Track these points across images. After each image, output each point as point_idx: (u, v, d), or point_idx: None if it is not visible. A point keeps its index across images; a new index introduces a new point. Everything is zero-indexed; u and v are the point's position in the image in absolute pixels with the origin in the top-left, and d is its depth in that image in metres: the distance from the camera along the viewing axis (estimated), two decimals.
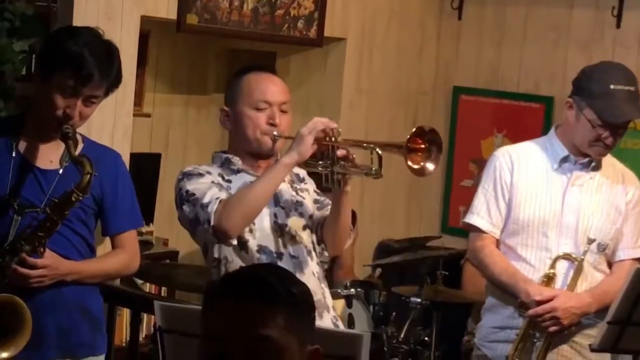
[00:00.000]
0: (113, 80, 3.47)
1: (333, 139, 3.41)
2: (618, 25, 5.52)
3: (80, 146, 3.45)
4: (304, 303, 2.14)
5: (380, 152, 3.39)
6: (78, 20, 4.14)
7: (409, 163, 3.32)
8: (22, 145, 3.48)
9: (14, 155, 3.46)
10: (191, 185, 3.49)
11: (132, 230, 3.71)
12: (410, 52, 6.00)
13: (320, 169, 3.49)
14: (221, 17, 4.94)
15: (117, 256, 3.66)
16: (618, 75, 3.76)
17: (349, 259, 5.12)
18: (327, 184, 3.51)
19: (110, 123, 4.36)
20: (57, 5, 4.25)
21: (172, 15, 4.78)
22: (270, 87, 3.56)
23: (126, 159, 4.19)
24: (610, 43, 5.46)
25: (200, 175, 3.53)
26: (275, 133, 3.51)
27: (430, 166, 3.35)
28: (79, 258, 3.52)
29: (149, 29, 4.98)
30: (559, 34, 5.73)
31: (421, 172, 3.38)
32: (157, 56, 5.45)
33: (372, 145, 3.44)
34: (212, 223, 3.39)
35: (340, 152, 3.41)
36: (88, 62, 3.35)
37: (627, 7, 5.50)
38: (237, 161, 3.59)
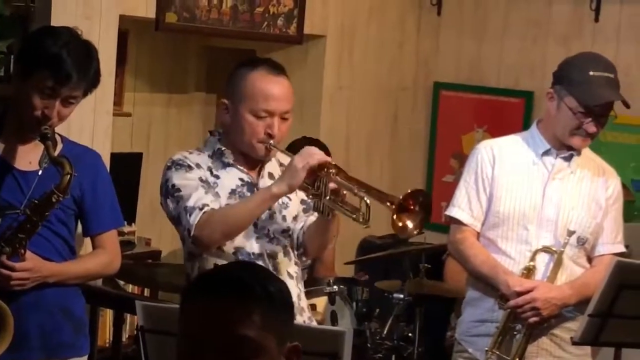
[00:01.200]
0: (92, 81, 3.46)
1: (327, 170, 3.38)
2: (596, 19, 5.54)
3: (59, 147, 3.45)
4: (281, 300, 2.12)
5: (368, 201, 3.35)
6: (56, 20, 4.14)
7: (395, 220, 3.29)
8: (0, 147, 3.47)
9: None
10: (178, 180, 3.48)
11: (113, 230, 3.70)
12: (390, 48, 6.01)
13: (310, 196, 3.49)
14: (200, 16, 4.94)
15: (98, 257, 3.65)
16: (597, 63, 3.79)
17: (330, 256, 5.11)
18: (315, 210, 3.50)
19: (90, 123, 4.35)
20: (35, 5, 4.24)
21: (151, 14, 4.77)
22: (274, 94, 3.50)
23: (107, 158, 4.20)
24: (589, 37, 5.49)
25: (190, 168, 3.51)
26: (271, 142, 3.49)
27: (411, 226, 3.34)
28: (60, 259, 3.52)
29: (128, 28, 4.99)
30: (539, 29, 5.76)
31: (403, 231, 3.37)
32: (136, 55, 5.45)
33: (362, 194, 3.37)
34: (192, 233, 3.40)
35: (332, 186, 3.38)
36: (66, 63, 3.34)
37: (605, 1, 5.53)
38: (228, 154, 3.57)
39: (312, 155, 3.38)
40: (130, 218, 5.09)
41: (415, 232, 3.39)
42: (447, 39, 6.08)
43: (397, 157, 6.08)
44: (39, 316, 3.47)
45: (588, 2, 5.56)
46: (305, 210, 3.65)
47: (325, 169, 3.38)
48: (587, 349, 3.80)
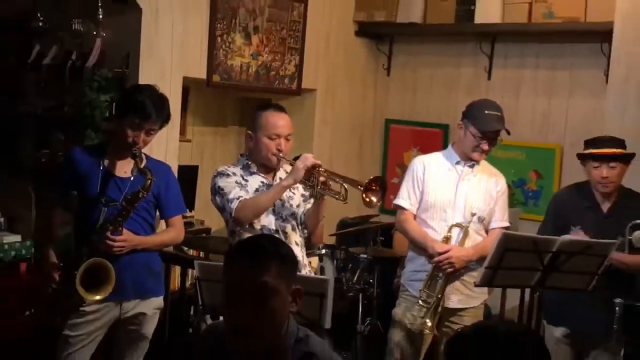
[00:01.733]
0: (165, 119, 3.49)
1: (318, 170, 3.45)
2: (489, 78, 5.56)
3: (144, 162, 3.45)
4: (289, 258, 2.16)
5: (346, 186, 3.44)
6: (142, 80, 4.15)
7: (363, 196, 3.37)
8: (106, 162, 3.47)
9: (101, 168, 3.45)
10: (222, 182, 3.53)
11: (179, 215, 3.69)
12: (357, 97, 5.97)
13: (307, 187, 3.54)
14: (235, 77, 4.93)
15: (169, 232, 3.65)
16: (490, 105, 3.79)
17: (319, 230, 5.01)
18: (311, 196, 3.59)
19: (164, 146, 4.35)
20: (128, 71, 4.23)
21: (203, 75, 4.77)
22: (280, 123, 3.54)
23: (175, 169, 4.22)
24: (484, 89, 5.47)
25: (228, 175, 3.55)
26: (281, 155, 3.55)
27: (375, 200, 3.41)
28: (145, 234, 3.52)
29: (189, 85, 4.94)
30: (452, 85, 5.71)
31: (370, 204, 3.43)
32: (194, 102, 5.39)
33: (341, 182, 3.46)
34: (232, 215, 3.45)
35: (321, 179, 3.45)
36: (148, 107, 3.37)
37: (494, 67, 5.53)
38: (253, 167, 3.61)
39: (308, 159, 3.44)
40: (191, 207, 5.06)
41: (377, 204, 3.46)
42: (393, 91, 6.03)
43: (363, 167, 6.00)
44: (132, 271, 3.47)
45: (483, 68, 5.57)
46: (304, 201, 3.67)
47: (316, 168, 3.45)
48: (485, 289, 3.80)
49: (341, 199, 3.49)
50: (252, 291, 2.06)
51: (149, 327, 3.63)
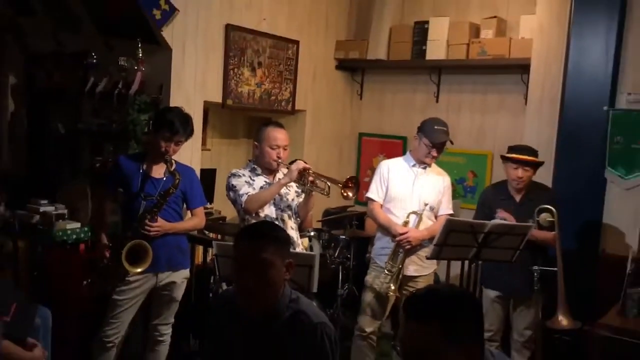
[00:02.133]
0: (189, 133, 3.49)
1: (308, 172, 3.46)
2: (437, 101, 5.55)
3: (174, 166, 3.44)
4: (283, 239, 2.18)
5: (329, 184, 3.49)
6: (172, 103, 4.13)
7: (342, 191, 3.40)
8: (145, 166, 3.47)
9: (140, 171, 3.45)
10: (234, 181, 3.53)
11: (201, 206, 3.68)
12: (337, 116, 5.94)
13: (300, 185, 3.53)
14: (244, 101, 4.90)
15: (193, 220, 3.65)
16: (438, 122, 3.78)
17: (309, 218, 5.04)
18: (302, 192, 3.58)
19: (190, 154, 4.32)
20: (162, 96, 4.20)
21: (219, 100, 4.72)
22: (279, 136, 3.54)
23: (198, 171, 4.19)
24: (433, 109, 5.44)
25: (239, 176, 3.55)
26: (280, 161, 3.54)
27: (351, 195, 3.42)
28: (175, 221, 3.52)
29: (208, 107, 4.91)
30: (409, 106, 5.69)
31: (347, 198, 3.45)
32: (212, 120, 5.37)
33: (325, 180, 3.49)
34: (243, 206, 3.45)
35: (310, 179, 3.46)
36: (176, 124, 3.38)
37: (441, 92, 5.52)
38: (258, 170, 3.59)
39: (300, 164, 3.45)
40: (211, 200, 5.02)
41: (353, 197, 3.47)
42: (365, 111, 6.00)
43: (342, 169, 5.95)
44: (165, 249, 3.48)
45: (432, 93, 5.55)
46: (297, 196, 3.65)
47: (307, 170, 3.45)
48: (434, 261, 3.79)
49: (325, 193, 3.52)
50: (253, 264, 2.08)
51: (179, 293, 3.61)
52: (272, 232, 2.16)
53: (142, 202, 3.40)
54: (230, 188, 3.53)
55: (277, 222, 3.49)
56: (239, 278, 2.13)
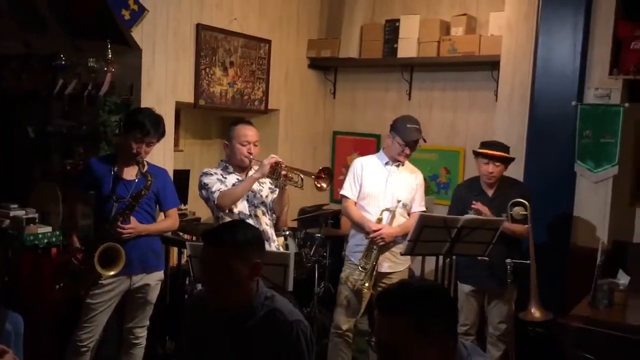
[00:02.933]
0: (161, 134, 3.47)
1: (280, 165, 3.47)
2: (409, 99, 5.57)
3: (145, 167, 3.41)
4: (244, 242, 2.13)
5: (302, 176, 3.49)
6: (143, 104, 4.11)
7: (315, 183, 3.43)
8: (116, 168, 3.44)
9: (112, 173, 3.42)
10: (206, 179, 3.52)
11: (174, 208, 3.66)
12: (311, 115, 5.95)
13: (273, 179, 3.53)
14: (216, 101, 4.88)
15: (167, 221, 3.63)
16: (410, 120, 3.80)
17: (285, 217, 5.02)
18: (276, 187, 3.59)
19: (162, 155, 4.31)
20: (132, 97, 4.16)
21: (191, 100, 4.71)
22: (249, 133, 3.56)
23: (171, 172, 4.16)
24: (405, 107, 5.47)
25: (211, 175, 3.55)
26: (250, 157, 3.55)
27: (325, 186, 3.46)
28: (147, 223, 3.49)
29: (180, 108, 4.87)
30: (382, 104, 5.72)
31: (321, 189, 3.48)
32: (185, 121, 5.34)
33: (298, 172, 3.50)
34: (215, 202, 3.44)
35: (283, 172, 3.47)
36: (147, 125, 3.36)
37: (413, 89, 5.54)
38: (230, 168, 3.60)
39: (272, 158, 3.46)
40: (184, 202, 4.99)
41: (327, 188, 3.50)
42: (338, 109, 6.02)
43: (317, 168, 5.77)
44: (138, 251, 3.45)
45: (405, 91, 5.58)
46: (271, 192, 3.66)
47: (279, 164, 3.47)
48: (408, 257, 3.81)
49: (298, 186, 3.53)
50: (211, 267, 2.12)
51: (153, 295, 3.59)
52: (230, 236, 2.14)
53: (114, 204, 3.37)
54: (203, 186, 3.52)
55: (250, 219, 3.49)
56: (203, 279, 2.20)
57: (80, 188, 3.53)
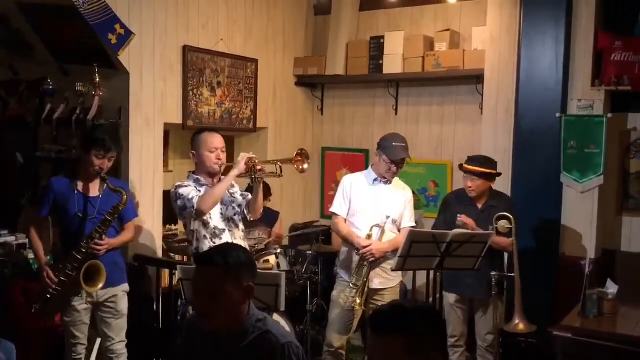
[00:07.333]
0: (121, 148, 3.54)
1: (254, 161, 3.50)
2: (396, 114, 5.59)
3: (109, 183, 3.42)
4: (237, 265, 2.12)
5: (280, 164, 3.52)
6: (132, 126, 4.10)
7: (295, 166, 3.46)
8: (80, 185, 3.46)
9: (75, 192, 3.44)
10: (182, 190, 3.52)
11: (132, 220, 3.68)
12: (299, 132, 5.95)
13: (248, 175, 3.54)
14: (205, 121, 4.88)
15: (127, 234, 3.64)
16: (397, 138, 3.83)
17: (280, 235, 5.10)
18: (252, 183, 3.59)
19: (152, 175, 4.29)
20: (121, 120, 4.16)
21: (179, 121, 4.72)
22: (215, 140, 3.58)
23: (160, 193, 4.17)
24: (393, 123, 5.50)
25: (186, 186, 3.55)
26: (220, 163, 3.57)
27: (305, 166, 3.49)
28: (112, 237, 3.50)
29: (169, 129, 4.88)
30: (369, 119, 5.74)
31: (302, 171, 3.51)
32: (173, 141, 5.32)
33: (275, 162, 3.55)
34: (195, 208, 3.44)
35: (258, 167, 3.50)
36: (107, 142, 3.40)
37: (399, 104, 5.57)
38: (201, 179, 3.60)
39: (245, 155, 3.50)
40: (174, 222, 4.84)
41: (307, 168, 3.52)
42: (326, 126, 6.02)
43: (307, 184, 5.97)
44: (106, 267, 3.42)
45: (391, 106, 5.60)
46: (243, 198, 3.68)
47: (253, 160, 3.50)
48: (399, 272, 3.82)
49: (277, 175, 3.57)
50: (202, 290, 2.11)
51: (122, 305, 3.58)
52: (223, 259, 2.13)
53: (85, 222, 3.39)
54: (178, 197, 3.52)
55: (224, 234, 3.53)
56: (195, 302, 2.19)
57: (44, 210, 3.51)
